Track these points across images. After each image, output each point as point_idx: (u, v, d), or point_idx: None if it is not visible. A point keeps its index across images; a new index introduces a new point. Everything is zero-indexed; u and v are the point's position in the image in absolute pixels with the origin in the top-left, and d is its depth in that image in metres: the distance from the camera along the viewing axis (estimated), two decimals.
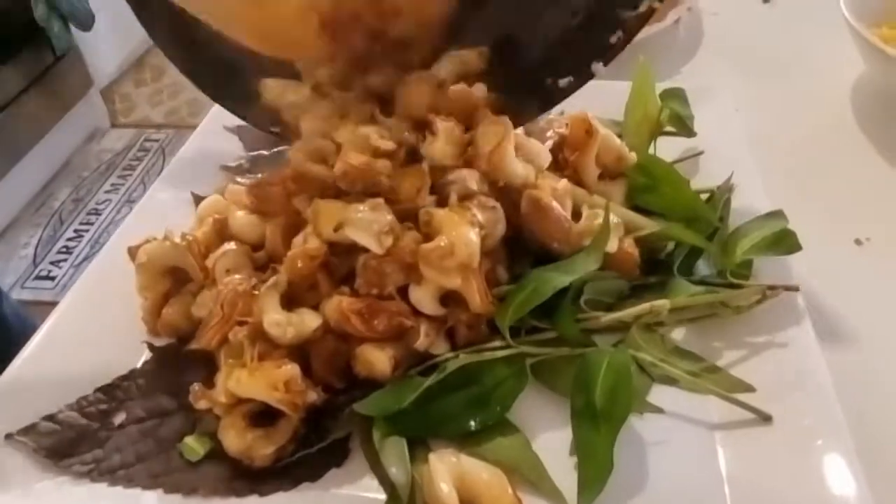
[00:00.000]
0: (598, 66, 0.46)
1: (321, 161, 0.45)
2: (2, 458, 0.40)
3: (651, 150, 0.54)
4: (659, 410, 0.41)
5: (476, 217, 0.42)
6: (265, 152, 0.59)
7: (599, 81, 0.47)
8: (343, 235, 0.42)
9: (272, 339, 0.40)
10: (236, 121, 0.58)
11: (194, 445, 0.40)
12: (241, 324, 0.41)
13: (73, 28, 1.88)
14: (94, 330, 0.47)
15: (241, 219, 0.48)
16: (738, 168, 0.53)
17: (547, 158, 0.48)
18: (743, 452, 0.38)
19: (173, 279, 0.47)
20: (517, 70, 0.49)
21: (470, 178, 0.44)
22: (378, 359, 0.41)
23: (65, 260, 1.72)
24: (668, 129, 0.56)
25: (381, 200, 0.42)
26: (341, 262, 0.43)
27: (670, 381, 0.42)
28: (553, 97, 0.49)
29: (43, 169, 1.94)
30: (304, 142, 0.47)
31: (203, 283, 0.46)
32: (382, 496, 0.38)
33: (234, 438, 0.39)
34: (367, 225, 0.41)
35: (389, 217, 0.42)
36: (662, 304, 0.43)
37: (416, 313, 0.42)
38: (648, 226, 0.47)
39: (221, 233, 0.49)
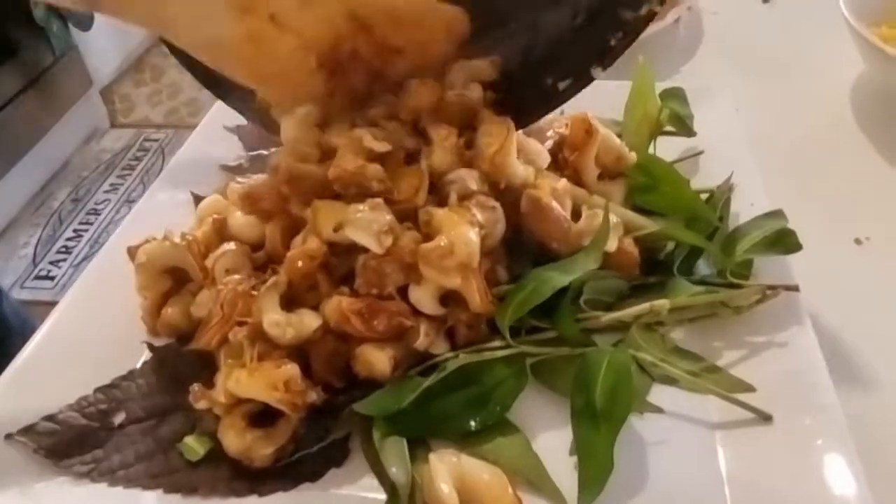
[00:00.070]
0: (597, 71, 0.46)
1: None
2: (2, 458, 0.40)
3: (651, 150, 0.54)
4: (659, 410, 0.41)
5: (476, 217, 0.42)
6: (265, 152, 0.58)
7: (599, 81, 0.47)
8: (343, 235, 0.42)
9: (272, 339, 0.40)
10: (236, 121, 0.58)
11: (194, 445, 0.40)
12: (240, 324, 0.41)
13: (72, 28, 1.88)
14: (93, 330, 0.47)
15: (240, 219, 0.48)
16: (738, 168, 0.53)
17: (546, 158, 0.48)
18: (743, 452, 0.38)
19: (173, 279, 0.47)
20: (518, 70, 0.49)
21: (469, 178, 0.44)
22: (378, 359, 0.41)
23: (64, 260, 1.72)
24: (668, 128, 0.55)
25: (380, 200, 0.42)
26: (341, 263, 0.43)
27: (670, 380, 0.42)
28: (552, 99, 0.49)
29: (42, 169, 1.94)
30: (290, 145, 0.46)
31: (203, 283, 0.46)
32: (382, 496, 0.38)
33: (234, 438, 0.39)
34: (367, 225, 0.41)
35: (389, 217, 0.42)
36: (662, 303, 0.43)
37: (416, 313, 0.42)
38: (648, 225, 0.47)
39: (221, 233, 0.49)
